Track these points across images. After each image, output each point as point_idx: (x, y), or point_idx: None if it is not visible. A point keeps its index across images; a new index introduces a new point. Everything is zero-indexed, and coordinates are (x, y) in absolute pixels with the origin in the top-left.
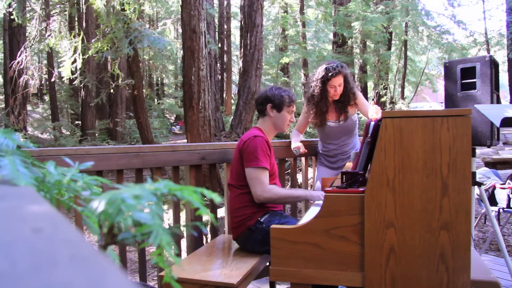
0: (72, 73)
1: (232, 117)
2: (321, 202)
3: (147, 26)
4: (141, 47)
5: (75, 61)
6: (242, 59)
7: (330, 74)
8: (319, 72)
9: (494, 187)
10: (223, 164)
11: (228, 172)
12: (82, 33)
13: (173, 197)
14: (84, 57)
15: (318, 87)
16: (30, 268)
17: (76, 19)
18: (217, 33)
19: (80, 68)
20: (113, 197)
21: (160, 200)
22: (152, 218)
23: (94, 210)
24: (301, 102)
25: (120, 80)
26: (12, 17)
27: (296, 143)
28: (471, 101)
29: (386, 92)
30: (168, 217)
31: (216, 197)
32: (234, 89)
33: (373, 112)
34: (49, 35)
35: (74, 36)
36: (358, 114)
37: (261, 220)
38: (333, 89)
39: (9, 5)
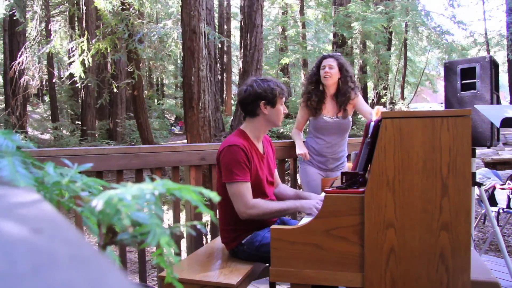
0: (84, 72)
1: (232, 118)
2: (314, 213)
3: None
4: (148, 42)
5: (83, 60)
6: (242, 59)
7: (322, 57)
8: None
9: (494, 188)
10: None
11: None
12: (86, 32)
13: (172, 196)
14: (91, 55)
15: (313, 74)
16: (30, 268)
17: (77, 19)
18: (217, 33)
19: (83, 70)
20: (111, 197)
21: (158, 199)
22: (150, 218)
23: (92, 209)
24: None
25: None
26: (14, 18)
27: (302, 149)
28: (471, 102)
29: (386, 92)
30: (168, 218)
31: (215, 196)
32: (234, 89)
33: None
34: (51, 38)
35: (80, 36)
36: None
37: (243, 242)
38: (323, 70)
39: (12, 9)
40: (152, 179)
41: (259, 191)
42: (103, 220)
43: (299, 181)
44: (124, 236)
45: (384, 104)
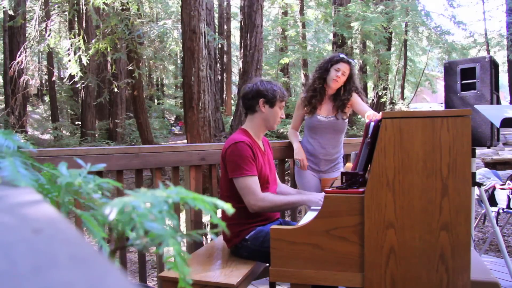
0: (81, 71)
1: (232, 118)
2: (318, 207)
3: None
4: (148, 41)
5: (80, 59)
6: (242, 59)
7: (340, 57)
8: (327, 57)
9: (494, 188)
10: None
11: None
12: (82, 32)
13: (185, 205)
14: (87, 54)
15: (321, 70)
16: (30, 268)
17: (76, 19)
18: (217, 33)
19: (81, 69)
20: (125, 205)
21: (171, 208)
22: (163, 228)
23: (105, 216)
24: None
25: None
26: (10, 13)
27: (300, 154)
28: (471, 102)
29: (386, 92)
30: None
31: (229, 209)
32: (234, 89)
33: (371, 113)
34: (49, 35)
35: (75, 36)
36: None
37: (247, 237)
38: (336, 73)
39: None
40: (166, 186)
41: (265, 187)
42: (115, 228)
43: None
44: (135, 242)
45: (383, 104)
